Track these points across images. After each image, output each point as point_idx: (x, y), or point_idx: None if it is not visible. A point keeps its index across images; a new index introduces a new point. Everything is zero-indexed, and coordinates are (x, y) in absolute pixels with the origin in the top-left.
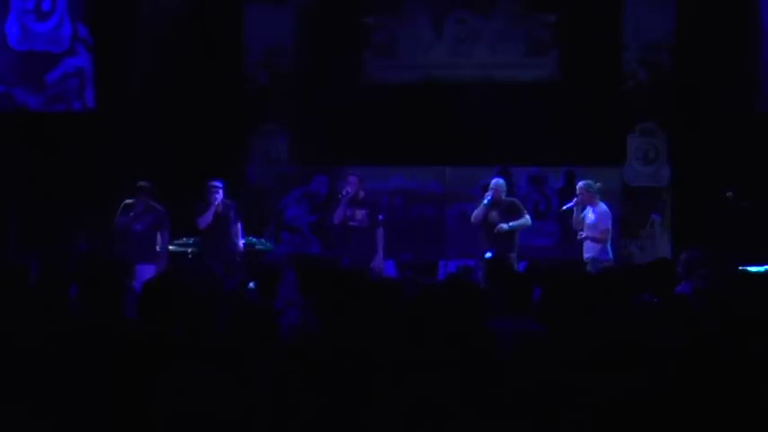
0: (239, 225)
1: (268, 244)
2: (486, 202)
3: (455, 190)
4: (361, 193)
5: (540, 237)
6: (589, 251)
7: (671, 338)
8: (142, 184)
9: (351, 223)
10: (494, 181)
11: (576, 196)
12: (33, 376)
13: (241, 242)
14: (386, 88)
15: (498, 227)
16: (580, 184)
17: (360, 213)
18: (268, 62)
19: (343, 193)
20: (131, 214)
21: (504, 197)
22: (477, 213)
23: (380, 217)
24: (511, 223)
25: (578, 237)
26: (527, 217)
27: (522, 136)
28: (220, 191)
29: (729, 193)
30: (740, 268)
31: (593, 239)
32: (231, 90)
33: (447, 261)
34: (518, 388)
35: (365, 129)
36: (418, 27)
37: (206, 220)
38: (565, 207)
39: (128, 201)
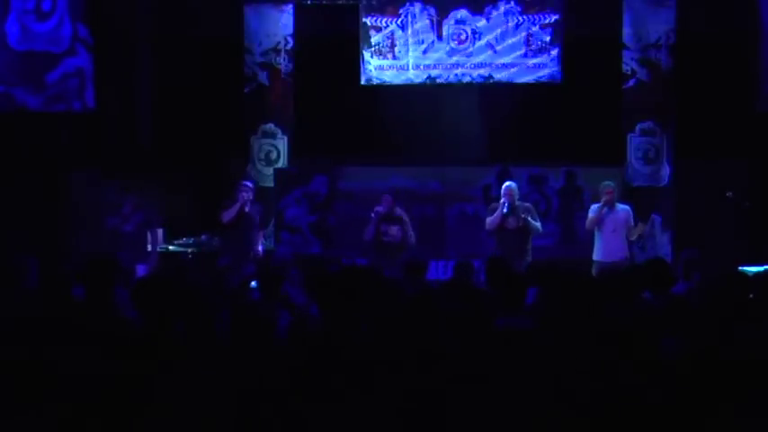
0: (261, 233)
1: (268, 244)
2: (505, 210)
3: (455, 190)
4: (398, 210)
5: (540, 237)
6: (622, 250)
7: (670, 338)
8: (128, 184)
9: (384, 238)
10: (507, 185)
11: (606, 195)
12: (33, 377)
13: (260, 248)
14: (386, 88)
15: (524, 218)
16: (607, 183)
17: (394, 229)
18: (268, 62)
19: (374, 212)
20: (120, 216)
21: (516, 202)
22: (492, 220)
23: (412, 238)
24: (531, 219)
25: (632, 239)
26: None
27: (522, 136)
28: (250, 192)
29: (729, 194)
30: (740, 268)
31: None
32: (231, 90)
33: (446, 261)
34: (517, 387)
35: (365, 129)
36: (418, 27)
37: (229, 215)
38: (597, 206)
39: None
